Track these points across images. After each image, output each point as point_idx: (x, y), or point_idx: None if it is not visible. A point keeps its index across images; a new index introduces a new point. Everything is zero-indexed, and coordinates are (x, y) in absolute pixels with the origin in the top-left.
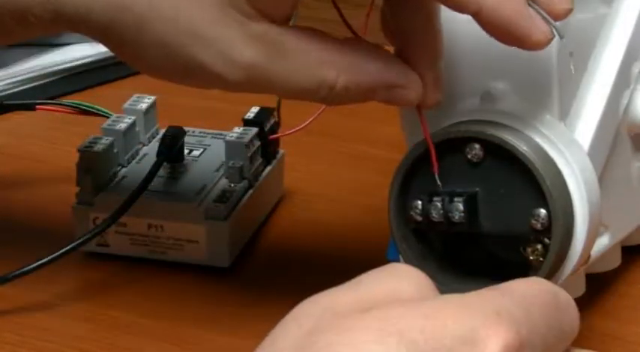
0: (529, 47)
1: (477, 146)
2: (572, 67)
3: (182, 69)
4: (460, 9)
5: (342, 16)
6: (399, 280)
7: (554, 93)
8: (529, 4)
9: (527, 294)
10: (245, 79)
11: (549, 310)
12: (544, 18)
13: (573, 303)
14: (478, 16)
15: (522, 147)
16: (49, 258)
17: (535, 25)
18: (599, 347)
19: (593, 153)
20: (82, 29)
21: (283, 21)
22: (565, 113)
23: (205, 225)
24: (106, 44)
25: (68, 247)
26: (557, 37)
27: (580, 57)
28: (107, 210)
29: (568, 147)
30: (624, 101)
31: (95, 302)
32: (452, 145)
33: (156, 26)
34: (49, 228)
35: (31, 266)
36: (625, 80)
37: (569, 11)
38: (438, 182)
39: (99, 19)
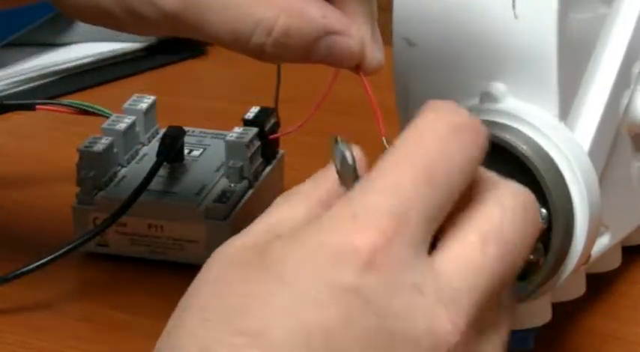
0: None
1: None
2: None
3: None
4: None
5: None
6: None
7: (554, 93)
8: None
9: (395, 162)
10: (176, 9)
11: (429, 162)
12: None
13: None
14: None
15: (522, 147)
16: (49, 258)
17: None
18: (600, 347)
19: (593, 153)
20: None
21: None
22: (565, 113)
23: (205, 225)
24: None
25: (68, 247)
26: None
27: (580, 57)
28: (107, 210)
29: (568, 147)
30: (624, 101)
31: (95, 302)
32: None
33: None
34: (49, 228)
35: (31, 266)
36: (625, 80)
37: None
38: (385, 144)
39: None
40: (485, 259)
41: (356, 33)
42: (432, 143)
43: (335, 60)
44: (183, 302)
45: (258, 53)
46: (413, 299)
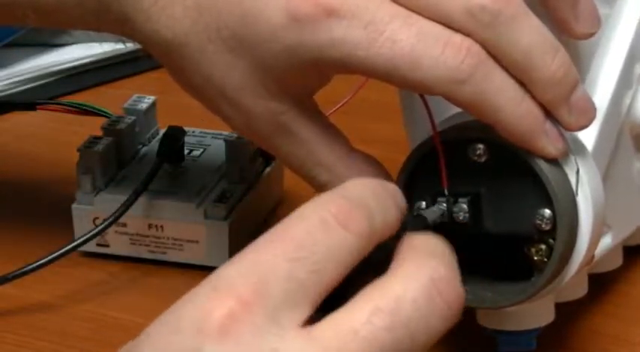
0: (540, 156)
1: (481, 146)
2: None
3: (214, 111)
4: (479, 117)
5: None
6: None
7: None
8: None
9: (260, 241)
10: (257, 142)
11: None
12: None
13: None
14: (495, 126)
15: None
16: (49, 257)
17: (549, 141)
18: (601, 347)
19: (596, 153)
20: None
21: (305, 98)
22: None
23: (205, 225)
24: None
25: (68, 247)
26: None
27: (583, 58)
28: (107, 210)
29: (572, 147)
30: (627, 101)
31: (95, 302)
32: (456, 146)
33: (193, 78)
34: (49, 228)
35: (31, 266)
36: (627, 81)
37: (585, 127)
38: (445, 188)
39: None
40: (369, 326)
41: None
42: (299, 226)
43: None
44: None
45: None
46: None
